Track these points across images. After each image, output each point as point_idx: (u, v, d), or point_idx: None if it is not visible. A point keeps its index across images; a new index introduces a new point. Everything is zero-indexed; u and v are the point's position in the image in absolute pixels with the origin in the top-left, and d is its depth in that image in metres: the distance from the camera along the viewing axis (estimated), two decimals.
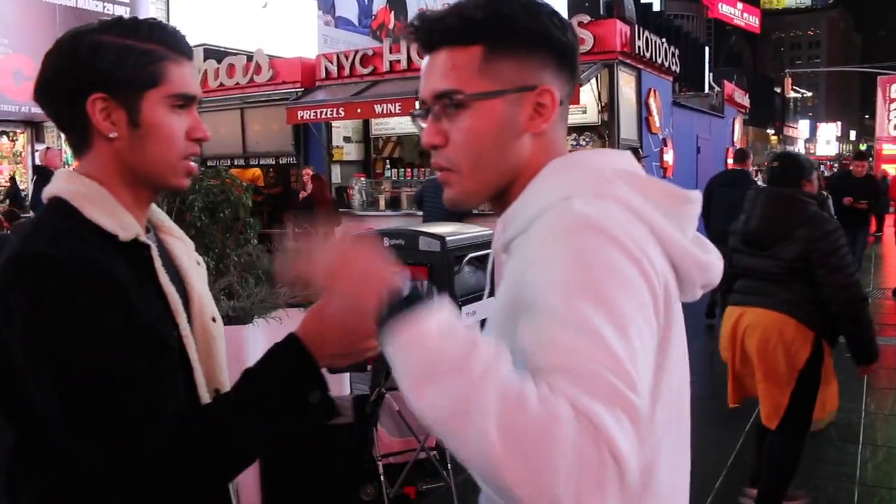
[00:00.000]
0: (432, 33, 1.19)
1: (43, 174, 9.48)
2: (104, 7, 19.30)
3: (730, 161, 12.50)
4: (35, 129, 18.21)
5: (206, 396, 1.34)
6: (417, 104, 1.23)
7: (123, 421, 1.13)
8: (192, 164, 1.36)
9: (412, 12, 28.52)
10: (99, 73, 1.29)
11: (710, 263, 1.18)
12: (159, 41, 1.33)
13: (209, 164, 13.61)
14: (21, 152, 18.44)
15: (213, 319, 1.43)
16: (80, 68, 1.29)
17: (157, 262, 1.31)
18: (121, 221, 1.28)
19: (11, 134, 18.20)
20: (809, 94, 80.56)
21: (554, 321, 0.96)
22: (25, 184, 17.86)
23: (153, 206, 1.44)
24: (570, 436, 0.85)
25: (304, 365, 1.19)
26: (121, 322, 1.17)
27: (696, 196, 1.18)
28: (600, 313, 0.95)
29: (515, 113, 1.17)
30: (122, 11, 19.80)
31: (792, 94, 59.55)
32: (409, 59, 12.19)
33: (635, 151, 9.61)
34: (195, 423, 1.17)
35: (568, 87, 1.22)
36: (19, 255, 1.18)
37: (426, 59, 1.21)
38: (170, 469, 1.13)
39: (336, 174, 13.85)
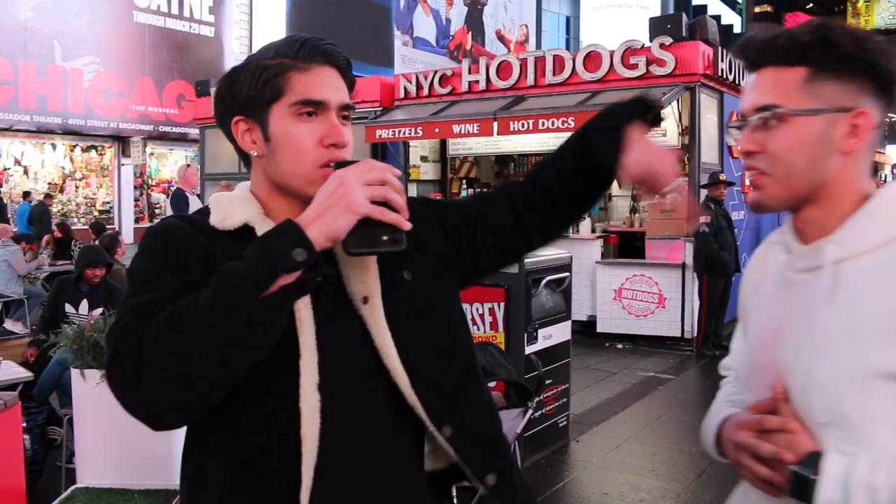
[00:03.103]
0: (763, 52, 1.30)
1: (177, 195, 9.80)
2: (191, 27, 19.88)
3: None
4: (122, 144, 18.78)
5: (312, 376, 1.30)
6: (736, 118, 1.35)
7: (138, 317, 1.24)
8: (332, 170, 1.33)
9: (489, 34, 28.63)
10: (236, 97, 1.40)
11: None
12: (290, 54, 1.38)
13: None
14: (108, 166, 19.06)
15: (364, 300, 1.37)
16: (224, 95, 1.42)
17: None
18: (226, 216, 1.38)
19: (100, 148, 18.85)
20: None
21: None
22: (112, 196, 18.43)
23: None
24: None
25: (285, 227, 1.22)
26: (175, 268, 1.30)
27: None
28: None
29: (830, 131, 1.26)
30: (208, 31, 20.37)
31: None
32: (487, 79, 12.14)
33: (715, 176, 9.45)
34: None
35: (883, 114, 1.28)
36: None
37: (752, 76, 1.32)
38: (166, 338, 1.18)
39: (412, 193, 13.90)
